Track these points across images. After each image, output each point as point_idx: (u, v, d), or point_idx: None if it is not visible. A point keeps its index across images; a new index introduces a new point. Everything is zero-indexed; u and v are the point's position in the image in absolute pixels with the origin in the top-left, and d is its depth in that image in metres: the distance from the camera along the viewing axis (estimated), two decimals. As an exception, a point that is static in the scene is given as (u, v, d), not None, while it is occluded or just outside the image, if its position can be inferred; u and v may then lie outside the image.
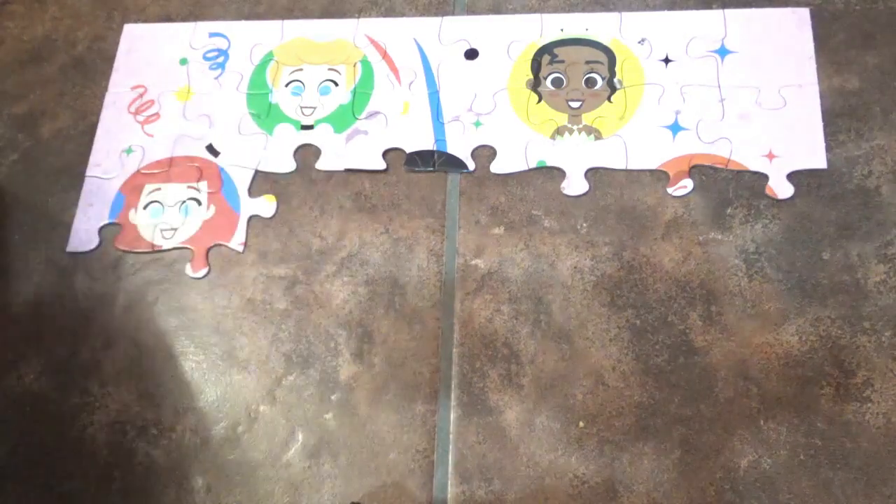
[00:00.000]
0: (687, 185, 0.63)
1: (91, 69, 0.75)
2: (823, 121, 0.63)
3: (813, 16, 0.67)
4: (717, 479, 0.54)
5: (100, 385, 0.63)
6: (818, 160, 0.62)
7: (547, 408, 0.58)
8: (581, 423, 0.57)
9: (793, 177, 0.62)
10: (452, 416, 0.58)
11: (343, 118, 0.69)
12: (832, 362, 0.56)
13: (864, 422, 0.54)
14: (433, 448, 0.58)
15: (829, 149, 0.62)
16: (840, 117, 0.63)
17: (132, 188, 0.69)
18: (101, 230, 0.68)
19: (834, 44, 0.66)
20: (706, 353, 0.58)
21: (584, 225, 0.63)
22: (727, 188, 0.63)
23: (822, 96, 0.64)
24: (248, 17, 0.75)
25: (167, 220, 0.67)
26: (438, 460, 0.57)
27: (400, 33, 0.72)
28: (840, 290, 0.58)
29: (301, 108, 0.70)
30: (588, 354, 0.59)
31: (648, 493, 0.54)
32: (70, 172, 0.70)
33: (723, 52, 0.67)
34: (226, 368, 0.62)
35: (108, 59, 0.75)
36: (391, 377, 0.60)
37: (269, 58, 0.73)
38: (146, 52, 0.75)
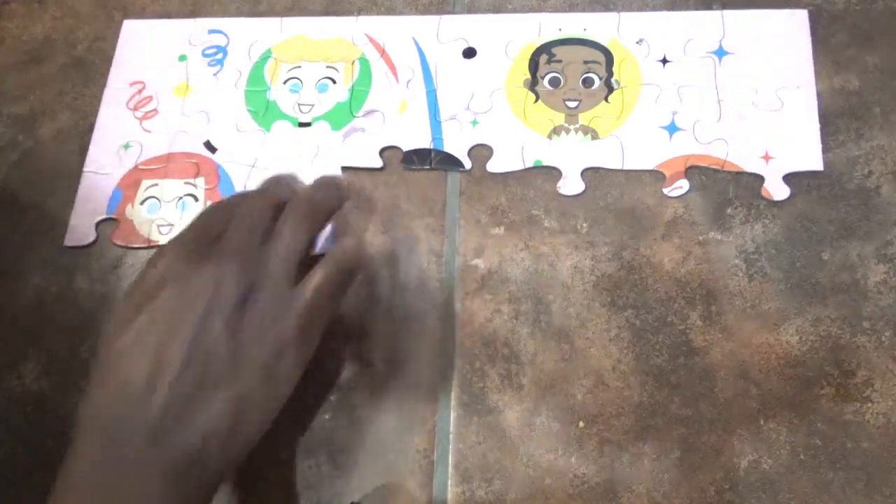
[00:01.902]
0: (683, 185, 0.63)
1: (91, 69, 0.75)
2: (823, 121, 0.63)
3: (812, 16, 0.67)
4: (717, 479, 0.54)
5: (99, 385, 0.62)
6: (814, 162, 0.62)
7: (547, 408, 0.58)
8: (581, 423, 0.57)
9: (790, 178, 0.62)
10: (452, 416, 0.58)
11: (340, 116, 0.69)
12: (832, 362, 0.56)
13: (864, 422, 0.55)
14: (433, 448, 0.58)
15: (828, 149, 0.62)
16: (840, 117, 0.63)
17: (130, 184, 0.69)
18: (98, 225, 0.67)
19: (834, 44, 0.66)
20: (706, 353, 0.58)
21: (585, 225, 0.63)
22: (727, 188, 0.63)
23: (821, 96, 0.64)
24: (248, 16, 0.75)
25: (164, 215, 0.67)
26: (438, 460, 0.57)
27: (398, 32, 0.72)
28: (840, 290, 0.58)
29: (299, 105, 0.70)
30: (588, 354, 0.59)
31: (648, 492, 0.54)
32: (70, 173, 0.70)
33: (720, 53, 0.67)
34: (225, 368, 0.62)
35: (108, 60, 0.75)
36: (391, 377, 0.60)
37: (267, 55, 0.73)
38: (145, 48, 0.75)
